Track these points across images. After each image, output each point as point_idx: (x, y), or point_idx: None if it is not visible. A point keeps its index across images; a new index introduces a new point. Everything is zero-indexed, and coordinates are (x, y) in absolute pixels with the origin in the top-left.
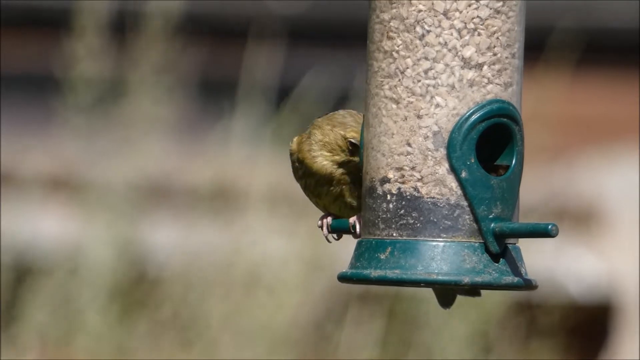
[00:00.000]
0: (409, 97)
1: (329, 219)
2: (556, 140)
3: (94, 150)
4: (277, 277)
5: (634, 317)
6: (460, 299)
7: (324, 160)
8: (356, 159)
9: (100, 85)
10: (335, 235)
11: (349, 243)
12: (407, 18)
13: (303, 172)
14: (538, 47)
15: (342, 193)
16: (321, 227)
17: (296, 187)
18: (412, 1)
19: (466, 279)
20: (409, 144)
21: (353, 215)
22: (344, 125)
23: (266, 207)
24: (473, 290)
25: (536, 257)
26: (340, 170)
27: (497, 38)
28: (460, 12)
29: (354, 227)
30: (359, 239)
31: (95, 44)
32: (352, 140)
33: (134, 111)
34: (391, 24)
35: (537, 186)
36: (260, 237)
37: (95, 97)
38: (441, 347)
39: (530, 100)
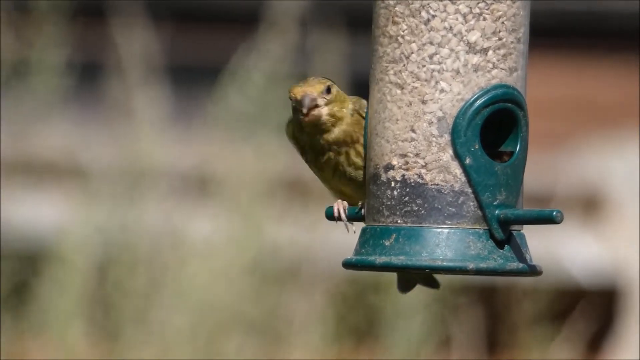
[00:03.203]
0: (413, 82)
1: (345, 203)
2: (560, 126)
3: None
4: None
5: (637, 302)
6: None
7: (293, 125)
8: (306, 119)
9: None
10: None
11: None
12: (412, 3)
13: (299, 146)
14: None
15: (338, 162)
16: (338, 216)
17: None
18: None
19: (471, 265)
20: (413, 130)
21: (354, 189)
22: (298, 85)
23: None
24: (432, 282)
25: (540, 242)
26: (304, 134)
27: (503, 23)
28: None
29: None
30: (363, 226)
31: None
32: (291, 95)
33: (35, 91)
34: (396, 8)
35: (540, 172)
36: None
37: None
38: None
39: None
